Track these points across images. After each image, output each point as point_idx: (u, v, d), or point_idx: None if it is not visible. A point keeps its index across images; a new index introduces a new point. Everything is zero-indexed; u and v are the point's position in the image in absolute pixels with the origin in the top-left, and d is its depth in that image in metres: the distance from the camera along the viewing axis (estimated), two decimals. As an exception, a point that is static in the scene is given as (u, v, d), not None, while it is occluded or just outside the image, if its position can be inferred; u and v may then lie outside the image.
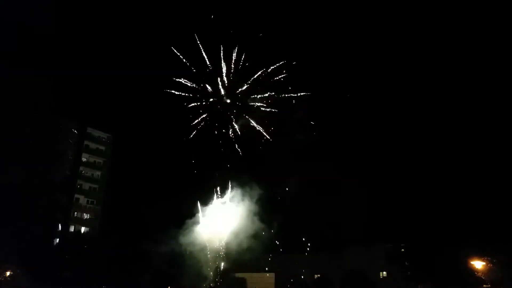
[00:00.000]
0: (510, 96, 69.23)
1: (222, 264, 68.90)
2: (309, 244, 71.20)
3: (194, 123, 67.67)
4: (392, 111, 79.81)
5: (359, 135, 77.46)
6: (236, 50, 65.64)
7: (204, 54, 65.51)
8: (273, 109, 67.44)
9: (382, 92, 79.81)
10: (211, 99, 68.12)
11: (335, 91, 74.72)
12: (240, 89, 67.89)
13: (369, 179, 70.44)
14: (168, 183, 74.04)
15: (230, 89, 67.60)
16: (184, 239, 66.55)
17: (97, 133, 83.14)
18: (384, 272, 68.59)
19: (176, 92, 66.92)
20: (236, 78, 66.87)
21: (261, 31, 66.09)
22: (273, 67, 65.69)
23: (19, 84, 68.34)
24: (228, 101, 68.00)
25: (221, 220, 70.20)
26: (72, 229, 76.03)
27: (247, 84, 67.14)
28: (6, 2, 70.13)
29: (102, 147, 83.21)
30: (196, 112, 67.85)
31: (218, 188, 70.85)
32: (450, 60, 79.40)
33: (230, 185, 70.63)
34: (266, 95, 66.85)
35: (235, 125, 68.30)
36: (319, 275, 70.79)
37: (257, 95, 67.22)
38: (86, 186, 79.93)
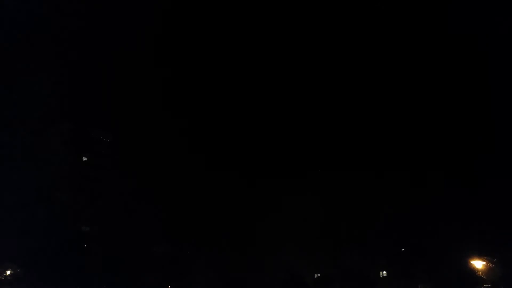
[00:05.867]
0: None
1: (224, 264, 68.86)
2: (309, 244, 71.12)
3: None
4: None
5: (357, 133, 77.36)
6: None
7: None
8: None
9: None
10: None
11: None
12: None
13: (368, 179, 70.34)
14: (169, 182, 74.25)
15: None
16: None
17: (98, 133, 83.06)
18: (384, 272, 68.63)
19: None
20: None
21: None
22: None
23: (20, 85, 68.48)
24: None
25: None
26: (72, 229, 75.82)
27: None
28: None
29: (103, 147, 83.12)
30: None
31: None
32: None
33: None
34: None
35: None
36: (319, 275, 70.73)
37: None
38: (87, 186, 79.74)
